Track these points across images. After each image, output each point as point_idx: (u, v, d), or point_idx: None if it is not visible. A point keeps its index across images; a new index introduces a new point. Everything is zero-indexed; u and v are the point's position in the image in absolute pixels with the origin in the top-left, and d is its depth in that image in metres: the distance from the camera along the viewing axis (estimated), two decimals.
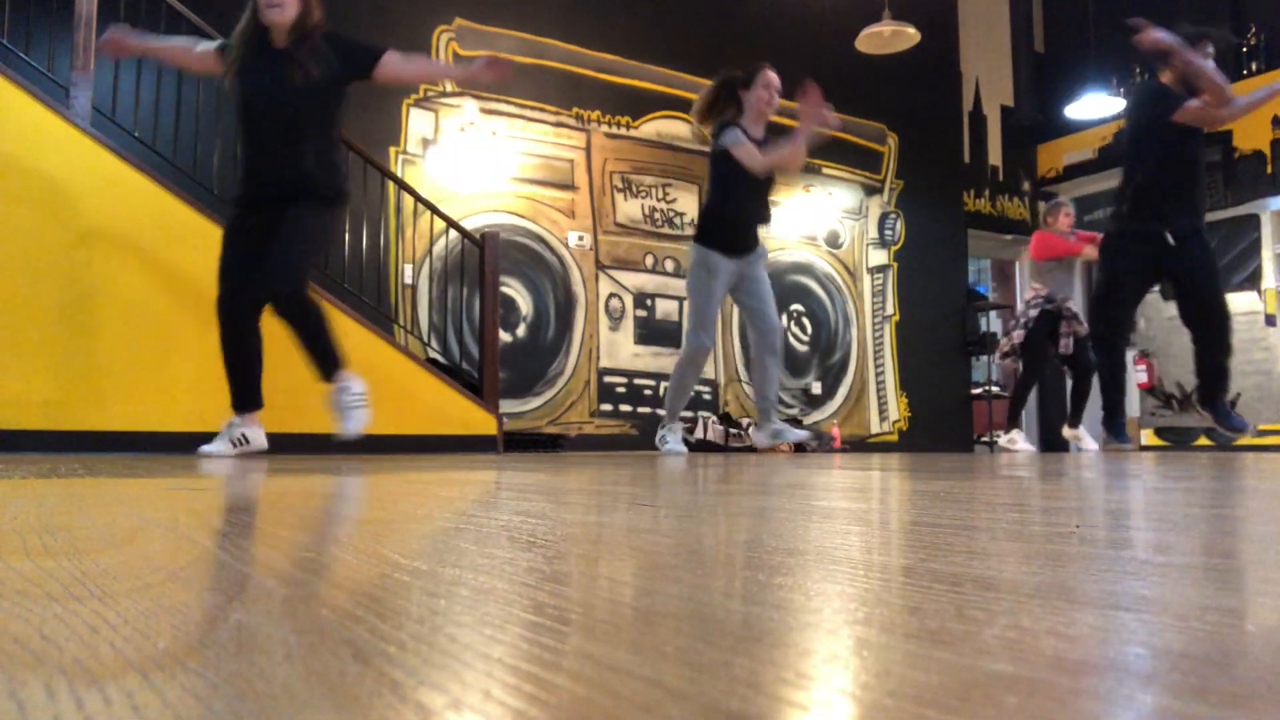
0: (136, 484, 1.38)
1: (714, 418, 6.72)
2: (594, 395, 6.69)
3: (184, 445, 3.61)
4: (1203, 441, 7.58)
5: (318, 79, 3.11)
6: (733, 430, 6.59)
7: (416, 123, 6.17)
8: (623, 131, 7.03)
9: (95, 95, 3.95)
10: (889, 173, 8.47)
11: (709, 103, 4.29)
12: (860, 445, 7.93)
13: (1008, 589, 0.44)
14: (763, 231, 4.33)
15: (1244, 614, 0.39)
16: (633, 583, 0.48)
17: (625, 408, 6.81)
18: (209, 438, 3.23)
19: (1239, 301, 7.10)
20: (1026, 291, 5.81)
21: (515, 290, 6.41)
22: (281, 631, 0.34)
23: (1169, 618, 0.37)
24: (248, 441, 3.21)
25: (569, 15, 6.83)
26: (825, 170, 7.94)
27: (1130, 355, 7.41)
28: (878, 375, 8.23)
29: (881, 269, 8.36)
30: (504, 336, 6.20)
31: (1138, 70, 8.22)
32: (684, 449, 4.37)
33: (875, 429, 8.14)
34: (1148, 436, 8.05)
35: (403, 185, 5.12)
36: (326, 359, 3.14)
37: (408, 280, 5.98)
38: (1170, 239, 4.26)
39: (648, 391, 6.90)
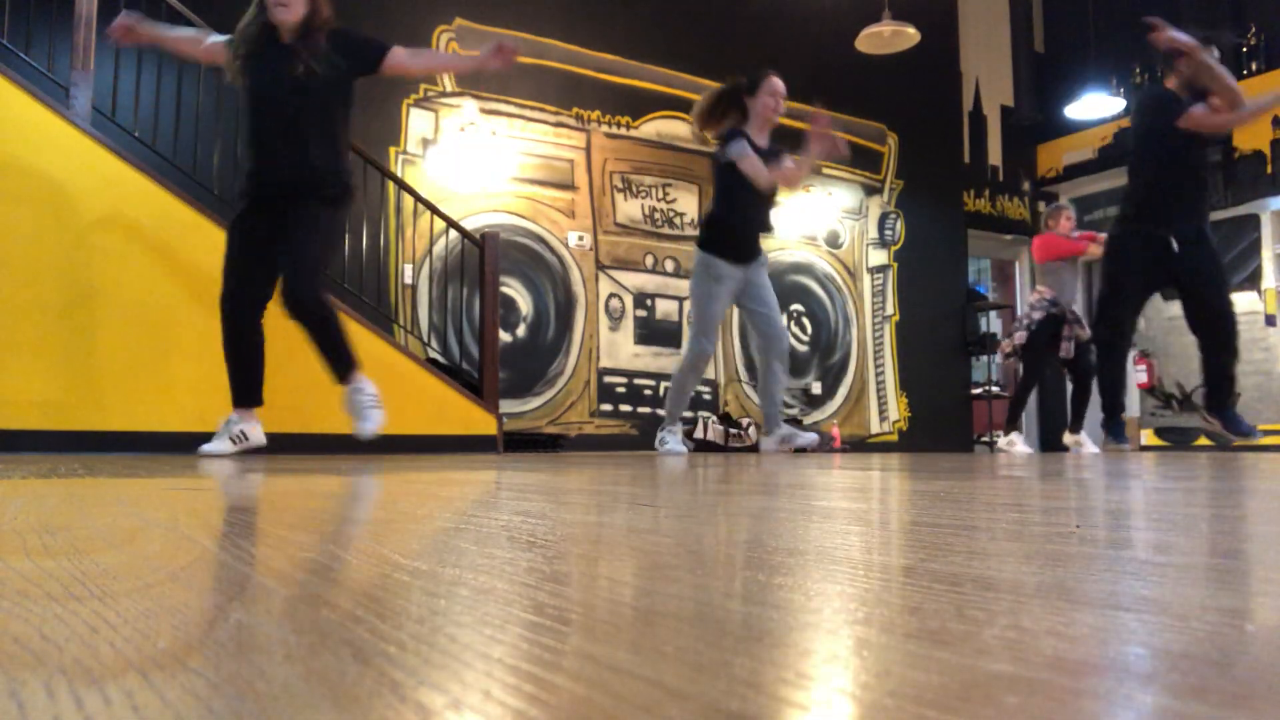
0: (136, 484, 1.38)
1: (714, 418, 6.73)
2: (594, 395, 6.70)
3: (184, 445, 3.61)
4: (1203, 441, 7.58)
5: (321, 75, 3.11)
6: (733, 430, 6.59)
7: (416, 123, 6.17)
8: (623, 131, 7.03)
9: (95, 95, 3.95)
10: (889, 173, 8.47)
11: (711, 108, 4.29)
12: (860, 445, 7.93)
13: (1008, 589, 0.44)
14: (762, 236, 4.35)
15: (1244, 614, 0.39)
16: (633, 583, 0.48)
17: (625, 408, 6.81)
18: (209, 438, 3.23)
19: (1239, 302, 7.10)
20: (1031, 294, 5.81)
21: (515, 290, 6.41)
22: (281, 631, 0.34)
23: (1169, 618, 0.37)
24: (246, 438, 3.22)
25: (569, 15, 6.83)
26: (825, 170, 7.94)
27: (1130, 355, 7.41)
28: (878, 375, 8.23)
29: (881, 269, 8.36)
30: (504, 336, 6.20)
31: (1138, 70, 8.23)
32: (684, 450, 4.38)
33: (875, 429, 8.14)
34: (1148, 437, 8.06)
35: (403, 185, 5.12)
36: (341, 361, 3.15)
37: (408, 280, 5.98)
38: (1174, 244, 4.26)
39: (648, 391, 6.90)
